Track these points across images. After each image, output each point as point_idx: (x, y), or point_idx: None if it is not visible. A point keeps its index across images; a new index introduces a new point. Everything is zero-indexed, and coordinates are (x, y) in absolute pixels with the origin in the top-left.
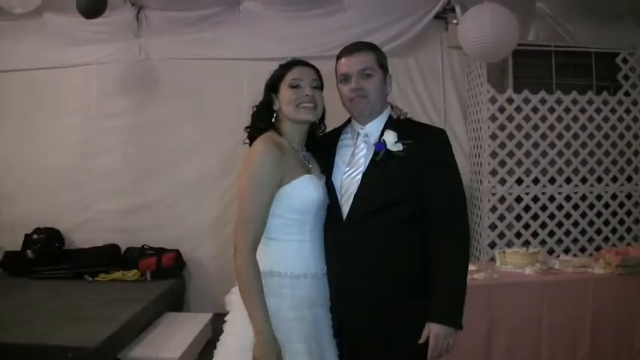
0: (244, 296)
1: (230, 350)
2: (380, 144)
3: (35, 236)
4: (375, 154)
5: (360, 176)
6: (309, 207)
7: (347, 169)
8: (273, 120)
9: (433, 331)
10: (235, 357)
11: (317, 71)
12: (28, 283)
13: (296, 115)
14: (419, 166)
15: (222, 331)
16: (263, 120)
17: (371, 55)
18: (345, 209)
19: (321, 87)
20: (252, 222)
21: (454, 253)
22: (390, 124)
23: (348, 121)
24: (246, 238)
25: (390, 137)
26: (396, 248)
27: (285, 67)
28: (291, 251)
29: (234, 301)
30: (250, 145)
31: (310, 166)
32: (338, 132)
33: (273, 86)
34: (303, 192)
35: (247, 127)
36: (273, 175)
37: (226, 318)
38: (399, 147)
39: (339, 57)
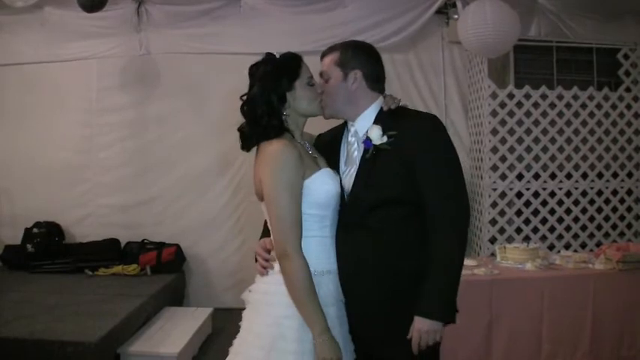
0: (300, 300)
1: (253, 350)
2: (367, 141)
3: (35, 230)
4: (365, 151)
5: (354, 175)
6: (328, 201)
7: (345, 167)
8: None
9: (416, 325)
10: (259, 357)
11: None
12: (28, 277)
13: (316, 111)
14: (407, 157)
15: (228, 327)
16: (277, 119)
17: (332, 56)
18: (344, 208)
19: None
20: (295, 225)
21: (443, 245)
22: (378, 118)
23: None
24: (295, 242)
25: (375, 132)
26: (393, 245)
27: (298, 63)
28: (314, 248)
29: (257, 300)
30: (249, 147)
31: (316, 157)
32: (342, 128)
33: (288, 83)
34: (323, 186)
35: (258, 127)
36: (298, 173)
37: (244, 315)
38: (385, 140)
39: None
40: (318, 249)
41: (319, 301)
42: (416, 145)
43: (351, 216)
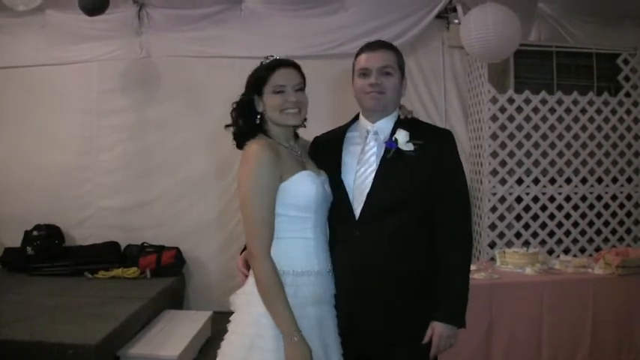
0: (267, 302)
1: (234, 349)
2: (391, 142)
3: (35, 233)
4: (386, 151)
5: (372, 175)
6: (308, 203)
7: (358, 167)
8: (257, 122)
9: (437, 330)
10: (240, 356)
11: (299, 70)
12: (28, 280)
13: (281, 121)
14: (428, 167)
15: (226, 331)
16: (247, 122)
17: (392, 54)
18: (357, 207)
19: (304, 87)
20: (263, 227)
21: (458, 254)
22: (399, 124)
23: (355, 119)
24: (261, 244)
25: (402, 136)
26: (409, 247)
27: (269, 70)
28: (294, 249)
29: (240, 301)
30: (238, 147)
31: (305, 162)
32: (343, 130)
33: (256, 88)
34: (301, 187)
35: (233, 129)
36: (272, 175)
37: (231, 318)
38: (410, 147)
39: (360, 52)
40: (299, 250)
41: (290, 302)
42: (436, 157)
43: (363, 216)
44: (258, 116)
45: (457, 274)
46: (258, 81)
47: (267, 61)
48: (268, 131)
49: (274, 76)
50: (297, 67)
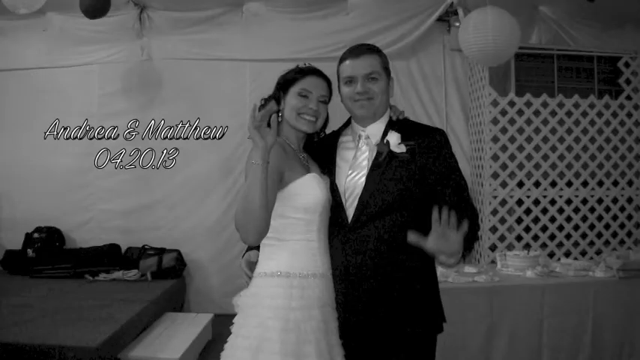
0: (244, 197)
1: (240, 352)
2: (382, 145)
3: (36, 235)
4: (378, 154)
5: (363, 179)
6: (314, 206)
7: (349, 171)
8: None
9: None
10: (244, 358)
11: (329, 84)
12: (29, 282)
13: (295, 123)
14: (421, 168)
15: (228, 333)
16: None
17: (376, 58)
18: (350, 212)
19: (328, 102)
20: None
21: (467, 215)
22: (391, 126)
23: (347, 123)
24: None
25: (394, 139)
26: (402, 249)
27: (300, 73)
28: (300, 251)
29: (244, 302)
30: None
31: (309, 166)
32: (336, 134)
33: (283, 86)
34: (308, 190)
35: None
36: (275, 161)
37: (235, 320)
38: (402, 148)
39: (343, 59)
40: (305, 252)
41: (297, 303)
42: (429, 157)
43: (356, 220)
44: (280, 114)
45: (470, 222)
46: (287, 81)
47: (304, 65)
48: (281, 130)
49: (304, 80)
50: (328, 82)
